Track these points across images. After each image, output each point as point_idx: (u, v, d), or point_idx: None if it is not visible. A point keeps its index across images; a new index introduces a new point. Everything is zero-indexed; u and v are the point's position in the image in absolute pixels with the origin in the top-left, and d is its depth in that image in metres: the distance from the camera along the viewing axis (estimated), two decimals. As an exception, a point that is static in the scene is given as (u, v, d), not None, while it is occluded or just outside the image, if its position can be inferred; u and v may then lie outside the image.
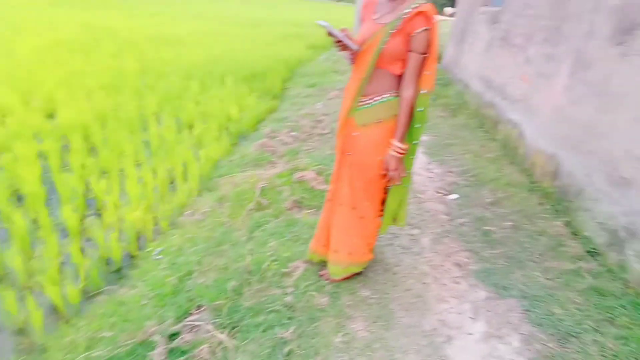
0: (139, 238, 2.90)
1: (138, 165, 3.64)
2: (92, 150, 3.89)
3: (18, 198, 3.05)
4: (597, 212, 2.32)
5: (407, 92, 1.53)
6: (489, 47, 4.96)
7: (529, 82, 3.58)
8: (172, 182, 3.59)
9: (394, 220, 1.90)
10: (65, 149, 3.79)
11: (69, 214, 2.72)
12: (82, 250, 2.57)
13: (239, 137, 4.76)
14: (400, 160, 1.63)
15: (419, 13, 1.42)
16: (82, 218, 2.98)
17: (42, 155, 3.54)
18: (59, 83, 5.11)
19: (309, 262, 2.14)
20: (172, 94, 5.35)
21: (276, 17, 19.03)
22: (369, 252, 1.96)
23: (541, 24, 3.53)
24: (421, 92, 1.53)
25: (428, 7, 1.43)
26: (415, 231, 2.58)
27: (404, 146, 1.60)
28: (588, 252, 2.31)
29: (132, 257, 2.70)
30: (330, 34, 1.46)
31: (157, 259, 2.48)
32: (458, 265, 2.26)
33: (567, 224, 2.59)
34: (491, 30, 4.98)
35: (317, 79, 7.02)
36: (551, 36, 3.29)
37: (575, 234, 2.49)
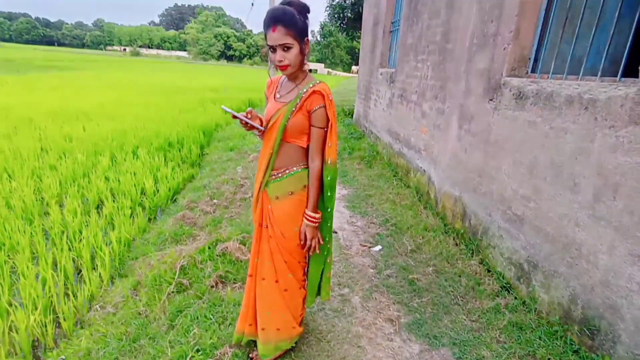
0: (36, 347, 2.49)
1: (35, 258, 3.22)
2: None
3: None
4: (503, 248, 2.55)
5: (314, 163, 1.60)
6: (391, 103, 5.48)
7: (428, 133, 3.97)
8: (79, 272, 3.20)
9: (318, 292, 1.88)
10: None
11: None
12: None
13: (156, 212, 4.49)
14: (315, 229, 1.65)
15: (314, 92, 1.53)
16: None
17: None
18: None
19: (237, 345, 1.98)
20: (77, 173, 4.94)
21: (192, 84, 19.15)
22: (298, 325, 1.88)
23: (429, 83, 4.02)
24: (328, 162, 1.60)
25: (322, 87, 1.55)
26: (346, 290, 2.57)
27: (317, 215, 1.63)
28: (503, 287, 2.48)
29: (27, 373, 2.29)
30: (235, 117, 1.49)
31: (59, 371, 2.13)
32: (390, 320, 2.27)
33: (482, 261, 2.79)
34: (391, 88, 5.54)
35: (236, 142, 7.06)
36: (438, 94, 3.75)
37: (490, 271, 2.68)
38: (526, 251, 2.30)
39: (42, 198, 4.30)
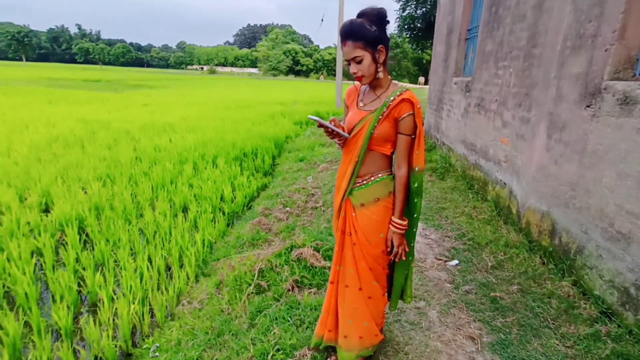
0: (135, 333, 2.75)
1: (133, 254, 3.58)
2: (87, 242, 3.84)
3: (10, 299, 2.94)
4: (603, 270, 2.29)
5: (401, 171, 1.60)
6: (466, 113, 5.26)
7: (510, 144, 3.74)
8: (168, 269, 3.50)
9: (401, 296, 1.86)
10: (61, 243, 3.75)
11: (61, 313, 2.61)
12: (75, 352, 2.43)
13: (234, 217, 4.76)
14: (402, 236, 1.65)
15: (403, 100, 1.53)
16: (76, 316, 2.87)
17: (37, 252, 3.49)
18: (55, 177, 5.19)
19: (316, 348, 2.01)
20: (166, 180, 5.44)
21: (262, 98, 20.18)
22: (379, 332, 1.87)
23: (512, 91, 3.80)
24: (415, 169, 1.59)
25: (410, 95, 1.54)
26: (422, 303, 2.49)
27: (404, 222, 1.62)
28: (602, 312, 2.23)
29: (127, 355, 2.55)
30: (321, 126, 1.54)
31: (155, 357, 2.33)
32: (471, 338, 2.16)
33: (575, 283, 2.53)
34: (466, 98, 5.33)
35: (306, 153, 7.25)
36: (523, 101, 3.53)
37: (585, 294, 2.42)
38: (634, 274, 2.05)
39: (138, 201, 4.78)
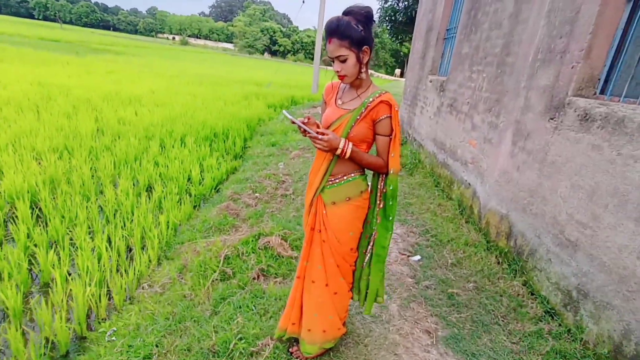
0: (90, 316, 2.67)
1: (91, 233, 3.44)
2: (40, 218, 3.63)
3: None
4: (551, 273, 2.47)
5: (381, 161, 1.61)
6: (439, 112, 5.40)
7: (477, 146, 3.89)
8: (129, 251, 3.40)
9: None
10: (10, 217, 3.53)
11: (9, 293, 2.48)
12: (24, 334, 2.33)
13: (201, 200, 4.67)
14: (330, 145, 1.54)
15: (382, 102, 1.54)
16: (26, 296, 2.73)
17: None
18: (6, 145, 4.84)
19: (279, 339, 2.05)
20: (129, 156, 5.22)
21: (237, 76, 19.62)
22: (342, 326, 1.93)
23: (483, 95, 3.93)
24: (390, 171, 1.62)
25: (389, 97, 1.56)
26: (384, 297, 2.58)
27: (343, 149, 1.55)
28: (547, 312, 2.41)
29: (81, 339, 2.46)
30: (293, 123, 1.52)
31: (111, 341, 2.28)
32: (427, 332, 2.27)
33: (525, 283, 2.71)
34: (440, 97, 5.45)
35: (278, 138, 7.18)
36: (493, 107, 3.66)
37: (533, 294, 2.61)
38: (577, 278, 2.22)
39: (98, 177, 4.57)
